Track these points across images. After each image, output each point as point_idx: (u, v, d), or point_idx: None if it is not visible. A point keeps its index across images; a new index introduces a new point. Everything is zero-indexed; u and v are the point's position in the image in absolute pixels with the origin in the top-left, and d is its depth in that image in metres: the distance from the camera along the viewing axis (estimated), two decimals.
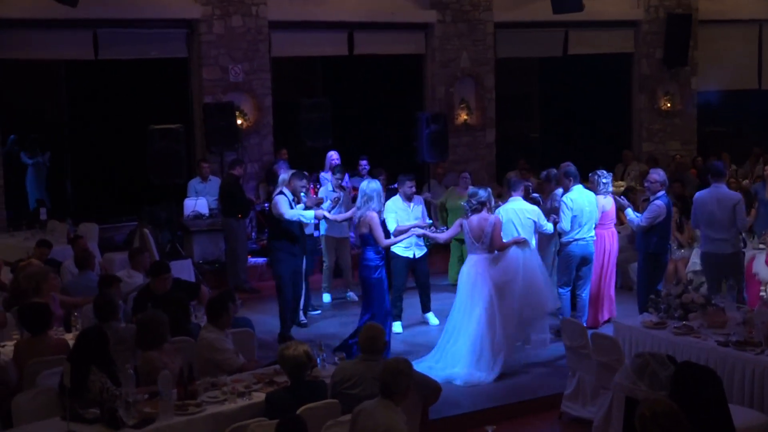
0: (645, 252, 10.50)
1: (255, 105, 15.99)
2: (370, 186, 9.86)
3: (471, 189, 10.22)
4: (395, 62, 18.08)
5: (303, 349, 6.81)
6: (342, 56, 17.12)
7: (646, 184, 10.83)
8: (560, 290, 10.88)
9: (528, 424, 8.71)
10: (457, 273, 13.01)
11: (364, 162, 14.66)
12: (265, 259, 14.34)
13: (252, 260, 14.26)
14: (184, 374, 6.85)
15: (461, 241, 13.07)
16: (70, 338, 8.27)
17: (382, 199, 10.10)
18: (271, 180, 15.19)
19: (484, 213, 9.72)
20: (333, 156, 14.23)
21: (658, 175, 10.55)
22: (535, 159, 18.94)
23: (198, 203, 14.49)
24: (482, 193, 9.80)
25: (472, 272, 9.76)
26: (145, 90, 16.34)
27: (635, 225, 10.51)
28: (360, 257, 10.07)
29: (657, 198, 10.35)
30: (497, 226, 9.73)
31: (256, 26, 15.88)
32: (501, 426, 7.70)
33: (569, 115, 20.02)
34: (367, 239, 9.79)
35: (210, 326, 7.90)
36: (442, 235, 10.61)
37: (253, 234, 15.03)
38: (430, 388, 7.28)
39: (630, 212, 10.60)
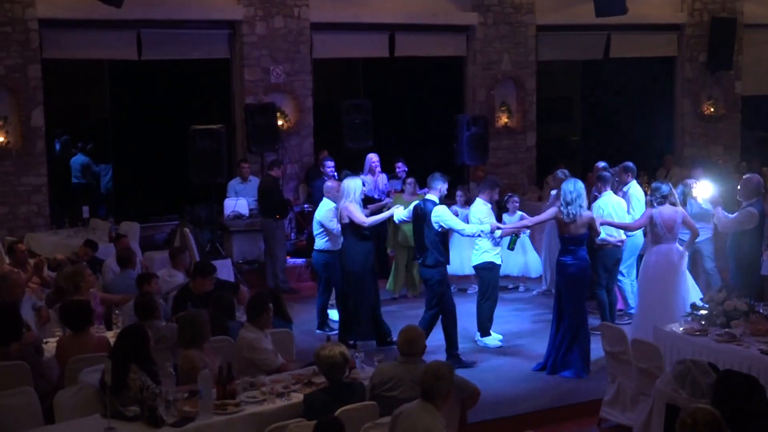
0: (736, 258, 10.36)
1: (296, 106, 16.05)
2: (577, 185, 9.63)
3: (654, 184, 10.48)
4: (436, 64, 18.04)
5: (339, 350, 6.80)
6: (383, 58, 17.13)
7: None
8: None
9: (567, 430, 8.66)
10: (401, 282, 13.06)
11: (400, 164, 14.63)
12: (304, 260, 14.38)
13: (291, 261, 14.30)
14: (223, 374, 6.88)
15: (408, 248, 12.90)
16: (111, 336, 8.34)
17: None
18: (310, 180, 15.23)
19: (668, 206, 9.95)
20: (372, 159, 14.18)
21: (751, 182, 10.40)
22: (576, 162, 18.84)
23: (238, 203, 14.57)
24: (664, 188, 10.08)
25: (662, 261, 9.89)
26: (188, 90, 16.45)
27: (722, 225, 10.38)
28: (567, 258, 9.66)
29: (750, 204, 10.19)
30: (687, 217, 10.16)
31: (297, 28, 15.94)
32: (540, 431, 7.68)
33: (610, 118, 19.88)
34: (583, 239, 9.71)
35: (250, 326, 7.92)
36: (634, 224, 10.62)
37: (293, 235, 15.07)
38: (468, 392, 7.25)
39: (719, 211, 10.44)
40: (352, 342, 10.08)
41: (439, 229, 9.89)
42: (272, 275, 13.60)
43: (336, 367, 6.74)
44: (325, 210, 11.11)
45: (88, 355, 7.58)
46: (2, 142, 14.23)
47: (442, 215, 9.87)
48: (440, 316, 10.09)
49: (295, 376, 7.37)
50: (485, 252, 10.58)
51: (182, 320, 7.70)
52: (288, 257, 14.21)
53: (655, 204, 10.05)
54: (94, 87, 17.31)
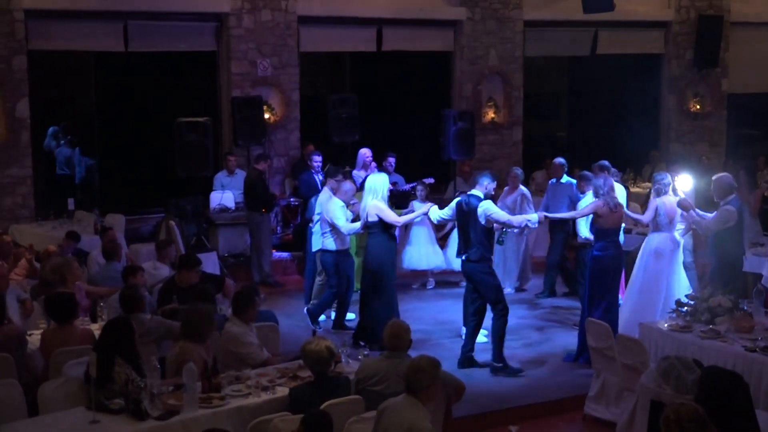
0: (718, 256, 10.35)
1: (283, 99, 16.02)
2: (608, 181, 10.02)
3: (657, 175, 10.73)
4: (423, 59, 18.04)
5: (325, 344, 6.80)
6: (370, 52, 17.11)
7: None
8: None
9: (551, 425, 8.68)
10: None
11: (392, 159, 14.52)
12: (290, 254, 14.35)
13: (277, 254, 14.28)
14: (208, 367, 6.86)
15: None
16: (96, 328, 8.32)
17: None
18: (297, 173, 15.17)
19: (671, 195, 10.31)
20: (366, 154, 13.95)
21: (722, 181, 10.39)
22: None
23: (224, 197, 14.54)
24: (667, 178, 10.46)
25: (661, 248, 10.28)
26: (174, 83, 16.40)
27: (703, 227, 10.38)
28: (610, 250, 9.87)
29: (727, 203, 10.18)
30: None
31: (285, 21, 15.90)
32: (524, 426, 7.68)
33: (597, 114, 19.92)
34: (621, 230, 10.15)
35: (235, 320, 7.90)
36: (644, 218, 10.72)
37: (278, 228, 15.05)
38: (453, 387, 7.25)
39: (694, 214, 10.44)
40: (363, 344, 9.97)
41: (485, 224, 9.79)
42: (258, 269, 13.58)
43: (322, 361, 6.74)
44: (334, 208, 10.72)
45: (73, 348, 7.56)
46: None
47: (489, 207, 9.76)
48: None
49: (280, 370, 7.37)
50: None
51: (190, 313, 7.57)
52: (274, 251, 14.18)
53: (660, 193, 10.29)
54: (80, 79, 17.25)
